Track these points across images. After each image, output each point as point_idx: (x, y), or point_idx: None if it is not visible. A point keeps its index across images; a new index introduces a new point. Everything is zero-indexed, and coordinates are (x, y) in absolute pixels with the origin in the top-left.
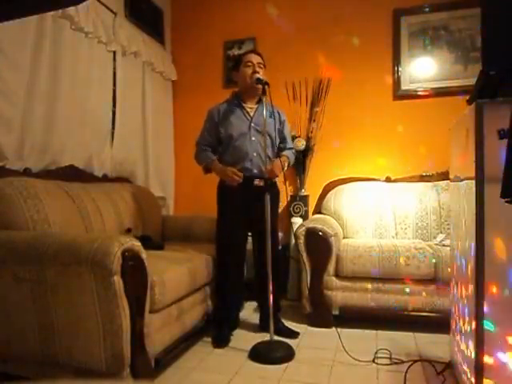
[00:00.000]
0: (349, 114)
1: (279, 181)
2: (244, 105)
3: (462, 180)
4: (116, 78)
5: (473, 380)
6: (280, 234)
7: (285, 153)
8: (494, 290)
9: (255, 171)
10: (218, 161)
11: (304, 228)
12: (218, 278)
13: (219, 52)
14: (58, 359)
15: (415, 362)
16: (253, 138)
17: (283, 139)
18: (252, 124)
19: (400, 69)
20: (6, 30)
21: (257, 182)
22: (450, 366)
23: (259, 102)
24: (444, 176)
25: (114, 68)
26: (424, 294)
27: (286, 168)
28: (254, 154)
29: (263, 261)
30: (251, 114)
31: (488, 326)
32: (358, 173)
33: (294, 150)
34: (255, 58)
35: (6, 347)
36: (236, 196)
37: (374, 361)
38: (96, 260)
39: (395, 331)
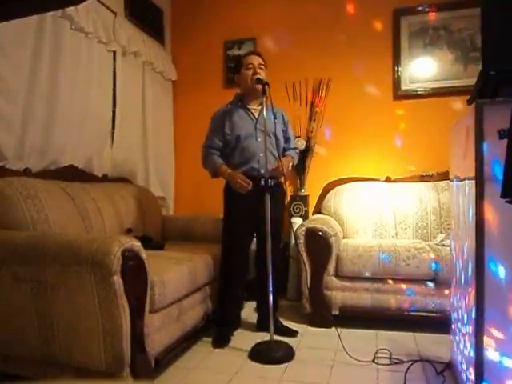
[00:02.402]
0: (349, 113)
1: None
2: (248, 106)
3: (462, 180)
4: (116, 78)
5: (473, 380)
6: None
7: (289, 152)
8: (494, 290)
9: (262, 171)
10: (225, 163)
11: (304, 228)
12: (222, 279)
13: (219, 52)
14: (58, 359)
15: (415, 361)
16: (259, 139)
17: (287, 139)
18: (257, 125)
19: (400, 69)
20: (6, 29)
21: (263, 182)
22: (449, 366)
23: (262, 103)
24: (444, 176)
25: (114, 68)
26: (424, 293)
27: (290, 168)
28: (261, 155)
29: (265, 261)
30: (255, 115)
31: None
32: (357, 173)
33: (297, 150)
34: (256, 60)
35: (6, 347)
36: (243, 197)
37: (374, 361)
38: (96, 260)
39: (395, 331)
